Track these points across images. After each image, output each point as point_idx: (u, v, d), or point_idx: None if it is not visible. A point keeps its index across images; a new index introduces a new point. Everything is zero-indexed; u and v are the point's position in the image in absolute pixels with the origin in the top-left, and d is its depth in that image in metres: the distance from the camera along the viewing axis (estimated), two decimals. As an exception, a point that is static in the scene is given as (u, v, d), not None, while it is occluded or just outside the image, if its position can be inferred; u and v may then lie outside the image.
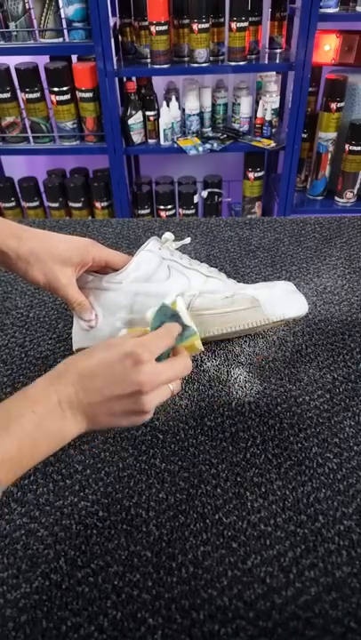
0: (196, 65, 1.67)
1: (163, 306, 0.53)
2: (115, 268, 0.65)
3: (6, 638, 0.42)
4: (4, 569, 0.47)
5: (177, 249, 0.68)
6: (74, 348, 0.67)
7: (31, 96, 1.75)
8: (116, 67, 1.65)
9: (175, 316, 0.53)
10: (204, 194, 2.05)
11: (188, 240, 0.69)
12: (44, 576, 0.46)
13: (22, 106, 1.81)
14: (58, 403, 0.44)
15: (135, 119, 1.80)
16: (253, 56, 1.73)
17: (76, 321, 0.66)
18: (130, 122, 1.79)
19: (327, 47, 1.75)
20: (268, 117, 1.82)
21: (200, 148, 1.81)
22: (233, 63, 1.68)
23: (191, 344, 0.54)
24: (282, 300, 0.67)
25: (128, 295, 0.64)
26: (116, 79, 1.70)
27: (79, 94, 1.75)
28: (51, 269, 0.59)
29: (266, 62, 1.78)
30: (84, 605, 0.44)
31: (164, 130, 1.82)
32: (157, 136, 1.85)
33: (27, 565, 0.47)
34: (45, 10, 1.58)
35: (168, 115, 1.80)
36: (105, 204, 2.05)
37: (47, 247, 0.59)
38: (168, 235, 0.67)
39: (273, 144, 1.83)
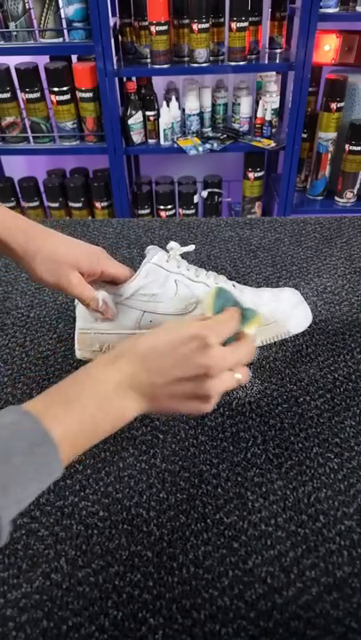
0: (196, 65, 1.67)
1: (221, 290, 0.53)
2: (121, 283, 0.63)
3: (7, 638, 0.42)
4: (4, 569, 0.47)
5: (181, 255, 0.67)
6: (77, 355, 0.67)
7: (31, 96, 1.75)
8: (116, 67, 1.65)
9: (234, 300, 0.52)
10: (204, 194, 2.05)
11: (192, 247, 0.67)
12: (44, 576, 0.46)
13: (22, 106, 1.81)
14: (119, 382, 0.44)
15: (135, 119, 1.80)
16: (253, 56, 1.73)
17: (79, 321, 0.65)
18: (130, 122, 1.79)
19: (327, 47, 1.75)
20: (268, 117, 1.81)
21: (200, 148, 1.81)
22: (233, 63, 1.68)
23: (255, 325, 0.52)
24: (288, 316, 0.66)
25: (135, 312, 0.63)
26: (116, 79, 1.69)
27: (79, 94, 1.75)
28: (59, 270, 0.57)
29: (266, 62, 1.78)
30: (84, 605, 0.44)
31: (164, 130, 1.82)
32: (157, 136, 1.85)
33: (27, 565, 0.47)
34: (45, 10, 1.58)
35: (168, 115, 1.80)
36: (105, 203, 2.05)
37: (56, 248, 0.57)
38: (173, 244, 0.66)
39: (273, 144, 1.83)
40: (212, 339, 0.46)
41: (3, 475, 0.35)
